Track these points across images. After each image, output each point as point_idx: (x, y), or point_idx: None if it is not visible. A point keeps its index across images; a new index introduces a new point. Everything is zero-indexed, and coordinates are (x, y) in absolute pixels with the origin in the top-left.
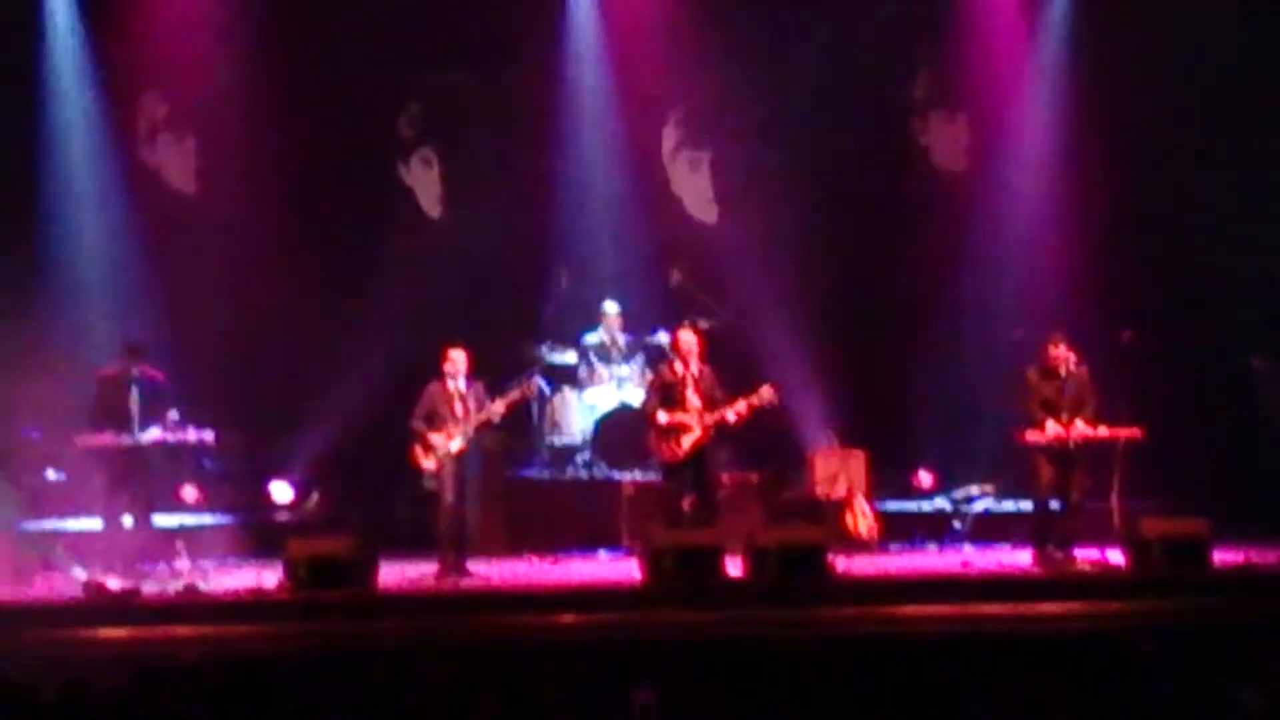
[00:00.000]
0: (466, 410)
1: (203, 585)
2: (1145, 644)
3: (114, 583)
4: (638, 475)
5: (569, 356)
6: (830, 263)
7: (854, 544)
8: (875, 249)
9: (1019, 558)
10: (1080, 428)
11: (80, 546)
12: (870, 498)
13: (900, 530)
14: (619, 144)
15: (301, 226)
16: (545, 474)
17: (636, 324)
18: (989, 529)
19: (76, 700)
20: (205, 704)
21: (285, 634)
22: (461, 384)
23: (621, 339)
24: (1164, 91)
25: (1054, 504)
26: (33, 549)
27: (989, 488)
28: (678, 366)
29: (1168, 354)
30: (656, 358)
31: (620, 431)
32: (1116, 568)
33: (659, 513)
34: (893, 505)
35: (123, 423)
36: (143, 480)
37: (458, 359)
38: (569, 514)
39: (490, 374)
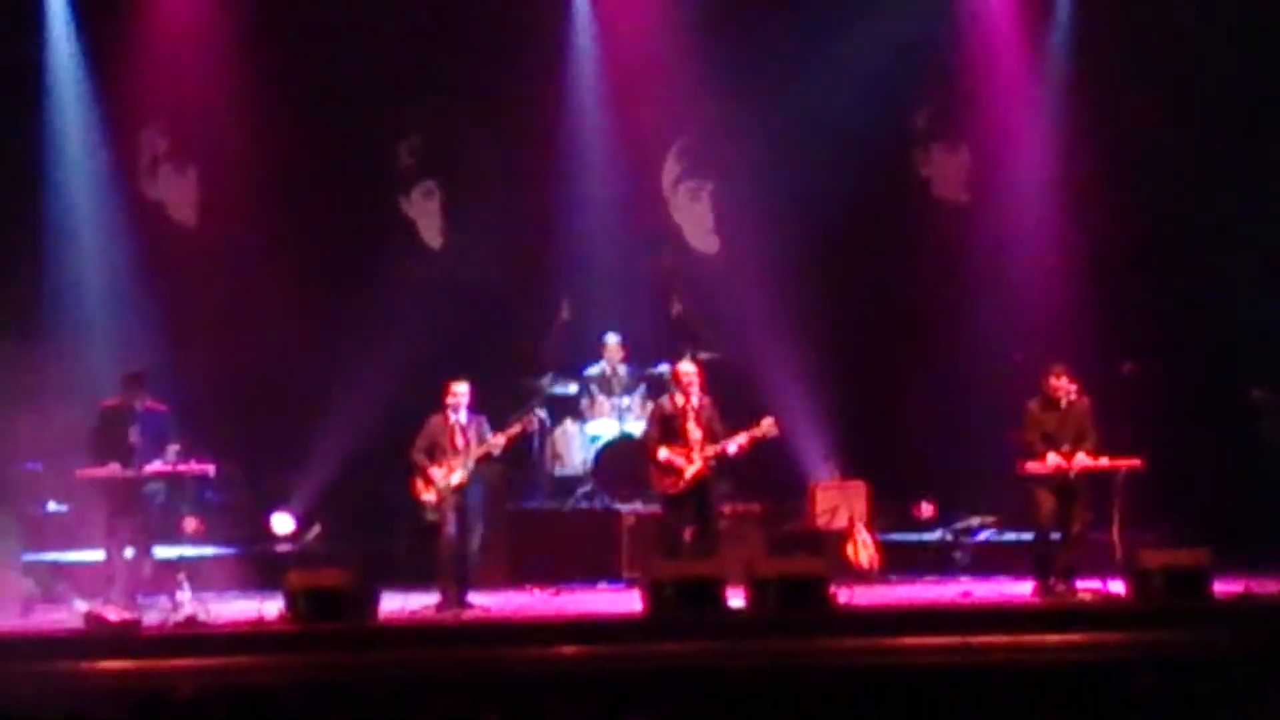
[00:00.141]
0: (467, 443)
1: (203, 617)
2: (1145, 675)
3: (115, 614)
4: (639, 506)
5: (570, 388)
6: (831, 294)
7: (855, 575)
8: (876, 280)
9: (1020, 588)
10: (1081, 459)
11: (81, 578)
12: (871, 528)
13: (901, 561)
14: (620, 175)
15: (303, 258)
16: (546, 505)
17: (637, 355)
18: (990, 560)
19: None
20: None
21: (286, 666)
22: (463, 416)
23: (623, 370)
24: (1166, 124)
25: (1055, 535)
26: (34, 581)
27: (990, 519)
28: (678, 398)
29: (1168, 385)
30: (658, 389)
31: (621, 463)
32: (1117, 598)
33: (660, 544)
34: (894, 536)
35: (124, 455)
36: (144, 512)
37: (460, 392)
38: (570, 545)
39: (491, 405)
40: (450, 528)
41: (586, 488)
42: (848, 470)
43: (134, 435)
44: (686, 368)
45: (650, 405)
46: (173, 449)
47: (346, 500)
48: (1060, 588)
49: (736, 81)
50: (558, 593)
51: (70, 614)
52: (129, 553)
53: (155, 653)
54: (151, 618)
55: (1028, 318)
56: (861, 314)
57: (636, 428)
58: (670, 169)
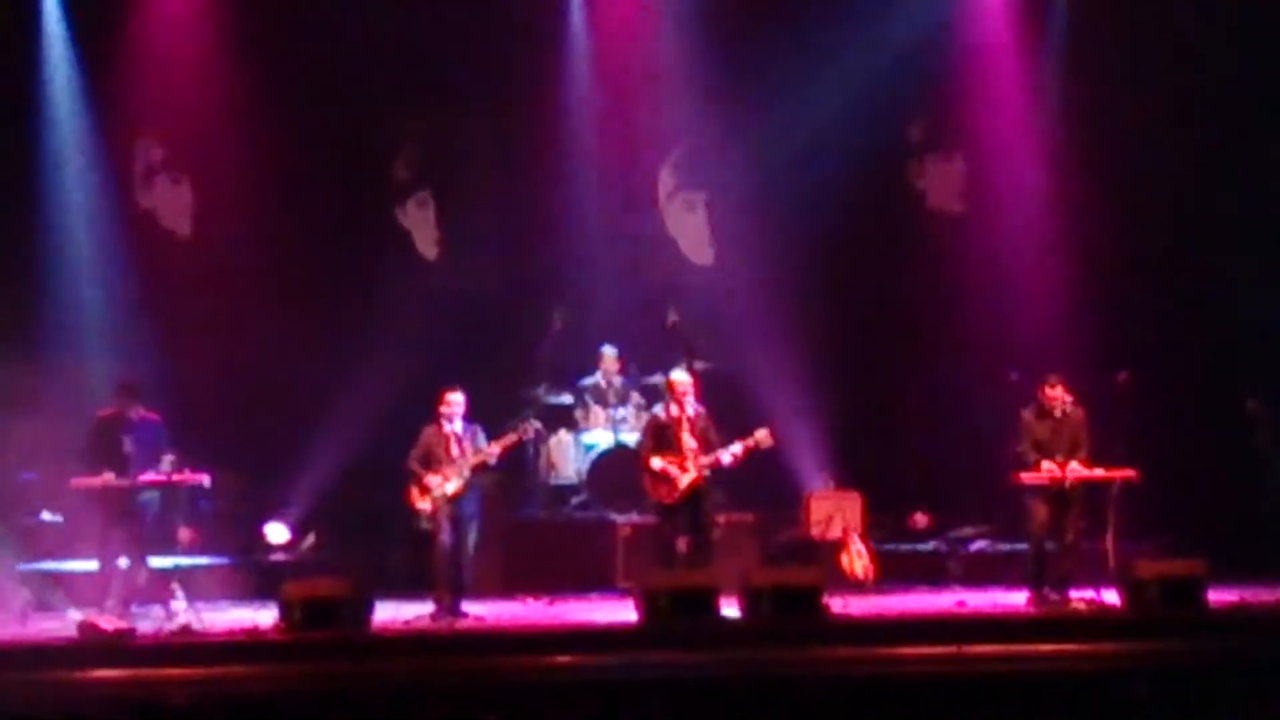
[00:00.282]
0: (462, 452)
1: (198, 626)
2: (1140, 685)
3: (109, 624)
4: (633, 516)
5: (565, 398)
6: (826, 304)
7: (850, 585)
8: (871, 291)
9: (1014, 598)
10: (1075, 469)
11: (76, 587)
12: (866, 538)
13: (896, 571)
14: (615, 186)
15: (297, 269)
16: (541, 515)
17: (632, 365)
18: (984, 570)
19: None
20: None
21: (280, 675)
22: (458, 426)
23: (618, 382)
24: (1161, 134)
25: (1049, 545)
26: (29, 590)
27: (984, 529)
28: (673, 408)
29: (1163, 395)
30: (652, 400)
31: (616, 472)
32: (1112, 608)
33: (654, 553)
34: (888, 546)
35: (118, 464)
36: (138, 521)
37: (455, 401)
38: (564, 555)
39: (486, 415)
40: (445, 537)
41: (581, 497)
42: (842, 480)
43: (128, 445)
44: (681, 378)
45: (644, 416)
46: (168, 459)
47: (341, 509)
48: (1055, 598)
49: (732, 93)
50: (552, 602)
51: (65, 623)
52: (123, 562)
53: (150, 662)
54: (146, 627)
55: (1022, 329)
56: (856, 324)
57: (631, 439)
58: (665, 180)
